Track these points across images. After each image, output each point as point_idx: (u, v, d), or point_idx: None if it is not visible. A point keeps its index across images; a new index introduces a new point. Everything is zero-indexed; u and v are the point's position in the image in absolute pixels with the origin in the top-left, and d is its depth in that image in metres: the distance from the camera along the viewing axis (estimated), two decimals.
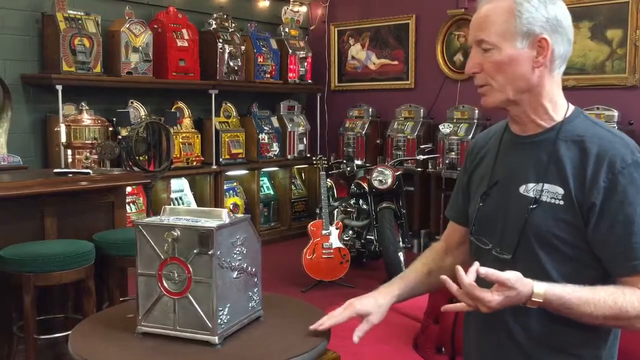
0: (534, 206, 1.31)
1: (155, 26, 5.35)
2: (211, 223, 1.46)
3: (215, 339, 1.44)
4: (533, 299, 1.23)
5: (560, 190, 1.30)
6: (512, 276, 1.22)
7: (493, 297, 1.22)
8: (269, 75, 6.23)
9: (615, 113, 4.84)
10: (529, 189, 1.34)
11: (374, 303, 1.52)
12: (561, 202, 1.29)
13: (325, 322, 1.51)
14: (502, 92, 1.33)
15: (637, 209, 1.25)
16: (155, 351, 1.45)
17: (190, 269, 1.45)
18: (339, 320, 1.50)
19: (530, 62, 1.31)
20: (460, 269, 1.24)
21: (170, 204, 5.33)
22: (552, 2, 1.31)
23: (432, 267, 1.59)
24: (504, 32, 1.30)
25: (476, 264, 1.25)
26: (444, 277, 1.27)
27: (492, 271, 1.22)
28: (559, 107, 1.37)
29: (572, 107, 1.38)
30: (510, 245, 1.35)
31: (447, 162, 5.51)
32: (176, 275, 1.46)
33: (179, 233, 1.45)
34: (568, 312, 1.26)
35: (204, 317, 1.45)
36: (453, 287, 1.25)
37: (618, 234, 1.26)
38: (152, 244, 1.47)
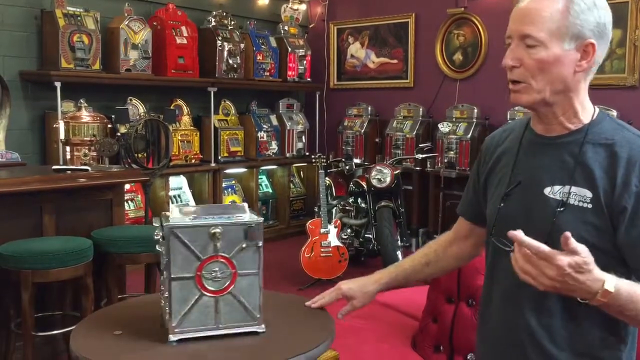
0: (562, 209, 1.28)
1: (155, 23, 5.34)
2: (246, 217, 1.48)
3: (263, 327, 1.49)
4: (605, 287, 1.16)
5: (589, 194, 1.27)
6: (588, 253, 1.16)
7: (566, 260, 1.14)
8: (268, 74, 6.23)
9: (615, 113, 4.84)
10: (556, 192, 1.31)
11: (360, 288, 1.61)
12: (589, 206, 1.27)
13: (317, 301, 1.63)
14: (539, 93, 1.30)
15: None
16: (199, 353, 1.42)
17: (235, 264, 1.46)
18: (328, 301, 1.62)
19: (573, 65, 1.29)
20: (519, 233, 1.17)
21: (168, 202, 5.33)
22: (603, 7, 1.30)
23: (432, 258, 1.63)
24: (555, 30, 1.27)
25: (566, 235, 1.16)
26: (512, 232, 1.18)
27: (571, 239, 1.15)
28: (587, 110, 1.35)
29: (597, 110, 1.37)
30: None
31: (445, 161, 5.51)
32: (219, 273, 1.45)
33: (221, 230, 1.43)
34: (632, 308, 1.20)
35: (251, 308, 1.48)
36: (525, 240, 1.17)
37: None
38: (190, 245, 1.43)
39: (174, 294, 1.44)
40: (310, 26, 7.00)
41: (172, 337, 1.44)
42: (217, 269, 1.45)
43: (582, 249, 1.15)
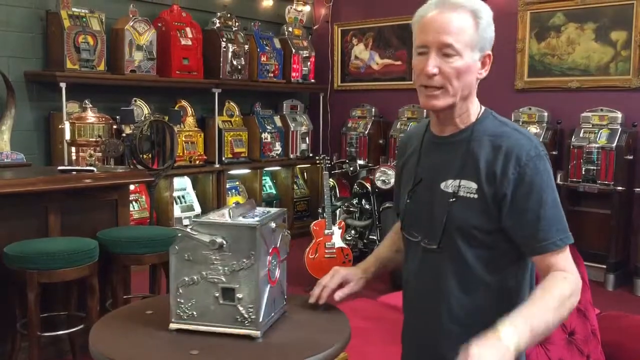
0: (453, 200, 1.45)
1: (159, 24, 5.35)
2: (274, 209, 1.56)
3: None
4: (507, 343, 1.24)
5: (474, 185, 1.44)
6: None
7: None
8: (272, 75, 6.23)
9: (619, 115, 4.84)
10: (449, 185, 1.47)
11: (356, 275, 1.69)
12: (475, 196, 1.43)
13: (322, 294, 1.63)
14: (453, 97, 1.45)
15: (542, 195, 1.40)
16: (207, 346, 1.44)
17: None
18: (332, 288, 1.63)
19: (476, 73, 1.46)
20: None
21: (172, 203, 5.34)
22: (492, 23, 1.48)
23: (399, 246, 1.73)
24: (469, 41, 1.42)
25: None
26: None
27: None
28: (474, 110, 1.51)
29: (482, 109, 1.53)
30: (436, 236, 1.48)
31: None
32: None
33: (275, 224, 1.50)
34: (539, 338, 1.36)
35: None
36: None
37: (528, 219, 1.40)
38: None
39: (261, 291, 1.46)
40: (314, 27, 7.01)
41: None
42: (274, 260, 1.53)
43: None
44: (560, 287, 1.37)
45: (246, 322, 1.47)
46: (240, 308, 1.47)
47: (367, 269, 1.71)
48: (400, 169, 1.67)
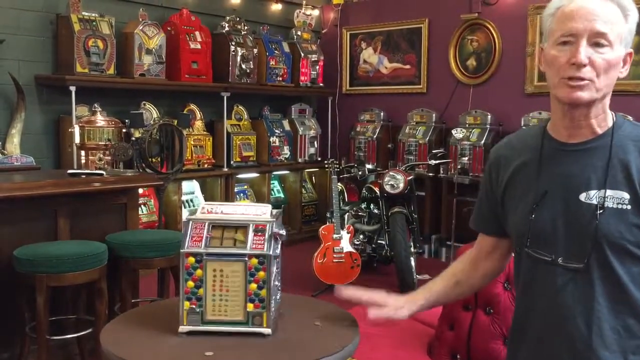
0: (601, 212, 1.31)
1: (169, 28, 5.36)
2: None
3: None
4: None
5: (627, 195, 1.30)
6: None
7: None
8: (280, 79, 6.23)
9: (631, 120, 4.79)
10: (591, 196, 1.33)
11: (398, 301, 1.57)
12: (628, 207, 1.30)
13: (349, 292, 1.58)
14: (598, 92, 1.32)
15: None
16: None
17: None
18: (360, 297, 1.57)
19: (619, 70, 1.35)
20: None
21: (181, 207, 5.34)
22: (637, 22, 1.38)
23: (461, 278, 1.61)
24: (620, 34, 1.32)
25: None
26: None
27: None
28: (609, 115, 1.39)
29: (613, 113, 1.41)
30: (580, 254, 1.33)
31: (459, 167, 5.48)
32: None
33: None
34: None
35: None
36: None
37: None
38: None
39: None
40: (323, 31, 7.01)
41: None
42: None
43: None
44: None
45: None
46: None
47: (414, 300, 1.57)
48: (502, 185, 1.49)
